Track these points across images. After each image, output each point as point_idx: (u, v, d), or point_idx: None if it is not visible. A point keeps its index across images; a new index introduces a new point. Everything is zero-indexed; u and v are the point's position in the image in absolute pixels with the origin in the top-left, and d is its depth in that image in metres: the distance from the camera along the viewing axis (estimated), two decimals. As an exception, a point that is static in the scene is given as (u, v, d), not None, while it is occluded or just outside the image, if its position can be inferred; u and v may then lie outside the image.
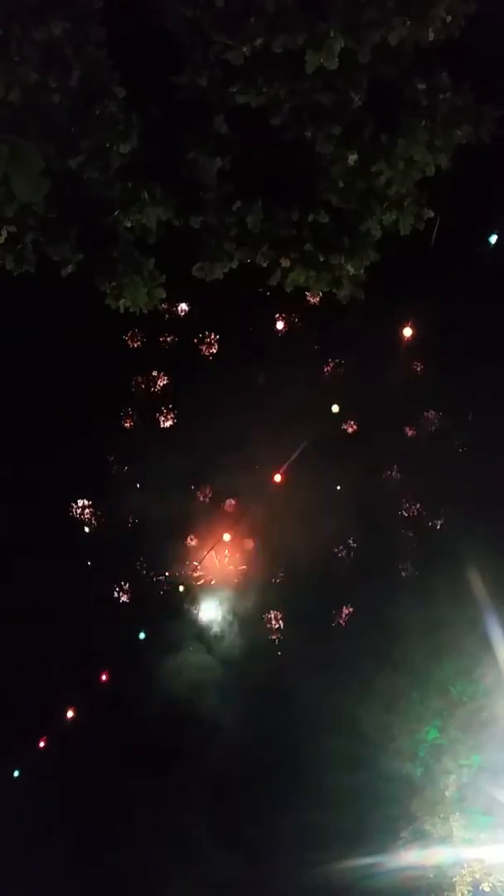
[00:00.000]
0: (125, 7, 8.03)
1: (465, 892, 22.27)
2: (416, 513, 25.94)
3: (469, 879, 22.25)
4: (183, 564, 29.86)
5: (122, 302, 9.05)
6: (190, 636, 30.63)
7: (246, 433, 26.11)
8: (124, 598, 28.92)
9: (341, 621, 26.85)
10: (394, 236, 8.73)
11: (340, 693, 24.27)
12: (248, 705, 29.77)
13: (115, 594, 28.82)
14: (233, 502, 21.15)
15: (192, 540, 29.57)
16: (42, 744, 20.63)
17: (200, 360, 26.56)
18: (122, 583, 29.08)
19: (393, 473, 25.98)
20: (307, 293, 9.17)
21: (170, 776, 28.69)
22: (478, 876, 22.22)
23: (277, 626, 29.96)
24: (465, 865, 22.37)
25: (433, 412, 25.03)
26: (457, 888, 22.34)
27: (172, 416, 27.79)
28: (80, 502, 28.29)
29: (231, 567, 30.71)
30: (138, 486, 27.62)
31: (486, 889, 22.14)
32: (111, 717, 25.00)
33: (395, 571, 25.01)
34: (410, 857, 23.08)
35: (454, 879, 22.44)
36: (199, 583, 30.42)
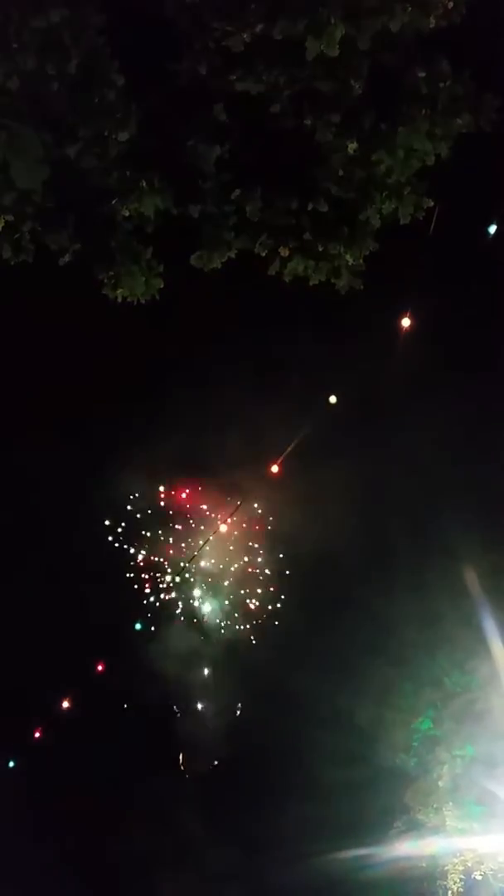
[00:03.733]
0: (124, -6, 7.98)
1: (458, 881, 22.44)
2: (411, 506, 25.95)
3: (461, 868, 22.43)
4: (180, 554, 29.88)
5: (119, 291, 9.01)
6: (187, 628, 30.67)
7: (243, 424, 26.10)
8: (120, 588, 28.92)
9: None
10: (393, 226, 8.72)
11: (335, 685, 24.34)
12: (243, 698, 29.84)
13: (111, 583, 28.82)
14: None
15: (188, 529, 29.61)
16: (37, 735, 20.60)
17: (198, 351, 26.48)
18: (119, 572, 29.09)
19: (388, 465, 25.99)
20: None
21: (166, 769, 28.79)
22: (470, 865, 22.39)
23: (272, 618, 30.00)
24: (458, 855, 22.54)
25: (430, 402, 25.03)
26: (449, 877, 22.51)
27: (171, 405, 27.70)
28: (76, 493, 28.23)
29: (227, 559, 30.74)
30: (137, 474, 27.57)
31: (478, 878, 22.32)
32: (107, 708, 25.02)
33: (389, 564, 25.03)
34: (404, 848, 23.23)
35: (447, 868, 22.61)
36: (195, 573, 30.44)
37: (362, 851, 23.48)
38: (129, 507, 28.72)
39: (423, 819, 23.22)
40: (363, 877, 23.37)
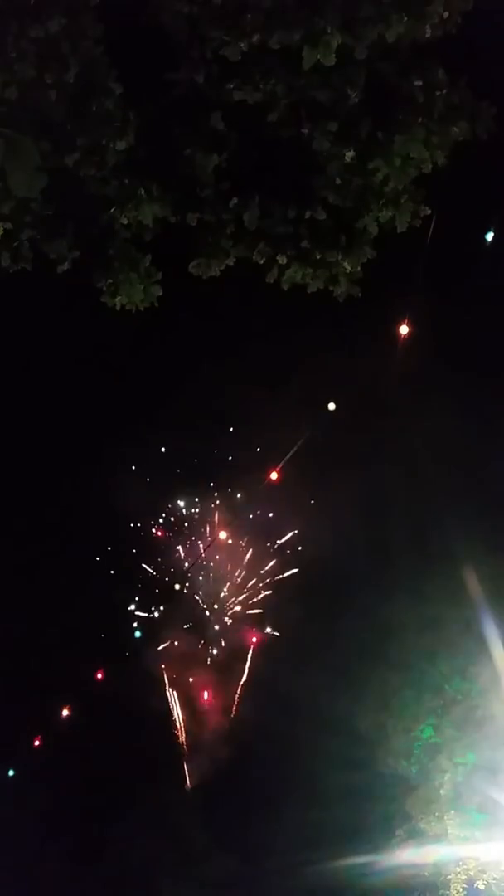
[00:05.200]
0: (122, 3, 8.02)
1: (460, 890, 22.32)
2: (412, 511, 25.92)
3: (464, 877, 22.31)
4: (180, 563, 29.84)
5: (118, 299, 9.02)
6: (186, 635, 30.61)
7: (243, 430, 26.12)
8: (121, 596, 28.87)
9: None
10: (390, 234, 8.73)
11: (336, 692, 24.27)
12: (244, 705, 29.77)
13: (112, 591, 28.78)
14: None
15: (189, 538, 29.58)
16: (37, 743, 20.56)
17: (197, 356, 26.54)
18: (120, 579, 29.04)
19: (388, 472, 25.99)
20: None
21: (167, 775, 28.68)
22: (472, 874, 22.28)
23: (273, 625, 29.94)
24: (460, 863, 22.43)
25: (429, 408, 25.03)
26: (451, 886, 22.39)
27: (171, 412, 27.72)
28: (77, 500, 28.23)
29: (227, 567, 30.68)
30: (136, 480, 27.58)
31: (481, 887, 22.21)
32: (107, 715, 24.95)
33: (390, 570, 25.00)
34: (406, 856, 23.12)
35: (449, 877, 22.50)
36: (196, 582, 30.38)
37: (363, 859, 23.38)
38: (128, 513, 28.68)
39: (425, 827, 23.12)
40: (364, 885, 23.27)
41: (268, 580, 31.12)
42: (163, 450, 27.73)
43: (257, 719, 28.72)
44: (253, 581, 31.47)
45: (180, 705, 31.20)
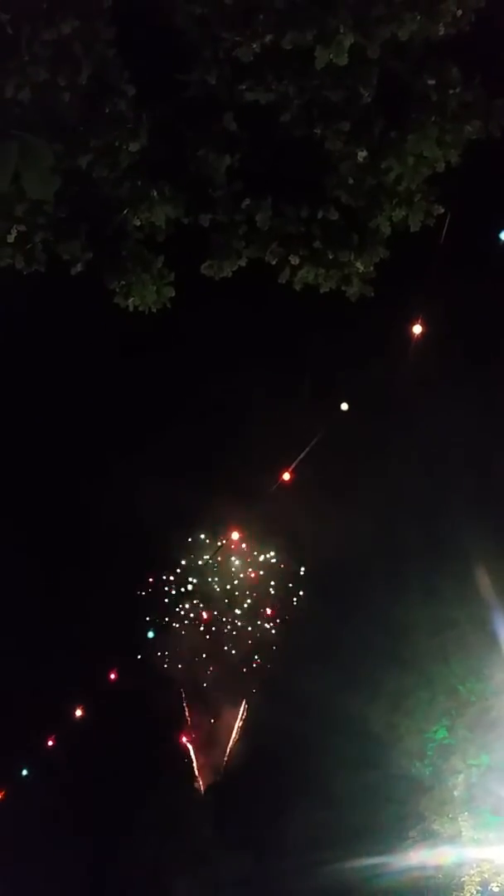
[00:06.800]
0: (134, 5, 8.04)
1: (474, 893, 22.23)
2: (425, 512, 25.86)
3: (478, 879, 22.22)
4: (192, 562, 29.88)
5: (131, 300, 9.05)
6: (198, 635, 30.64)
7: (255, 429, 26.13)
8: (133, 596, 28.95)
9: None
10: (403, 233, 8.71)
11: (349, 692, 24.25)
12: (257, 706, 29.76)
13: (124, 592, 28.85)
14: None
15: (200, 537, 29.60)
16: (50, 743, 20.65)
17: (207, 356, 26.59)
18: (131, 581, 29.11)
19: (401, 472, 25.93)
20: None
21: (179, 775, 28.72)
22: (486, 876, 22.19)
23: (286, 626, 29.92)
24: (474, 865, 22.35)
25: (443, 408, 24.99)
26: (465, 888, 22.30)
27: (183, 411, 27.78)
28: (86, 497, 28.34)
29: (240, 568, 30.69)
30: (147, 481, 27.65)
31: (495, 889, 22.12)
32: (120, 715, 25.01)
33: (404, 571, 24.95)
34: (419, 857, 23.07)
35: (463, 879, 22.42)
36: (207, 582, 30.41)
37: (376, 860, 23.34)
38: (140, 512, 28.75)
39: (438, 828, 23.06)
40: (377, 886, 23.23)
41: (281, 581, 31.09)
42: (175, 447, 27.78)
43: (270, 720, 28.72)
44: (266, 581, 31.45)
45: (192, 706, 31.23)
